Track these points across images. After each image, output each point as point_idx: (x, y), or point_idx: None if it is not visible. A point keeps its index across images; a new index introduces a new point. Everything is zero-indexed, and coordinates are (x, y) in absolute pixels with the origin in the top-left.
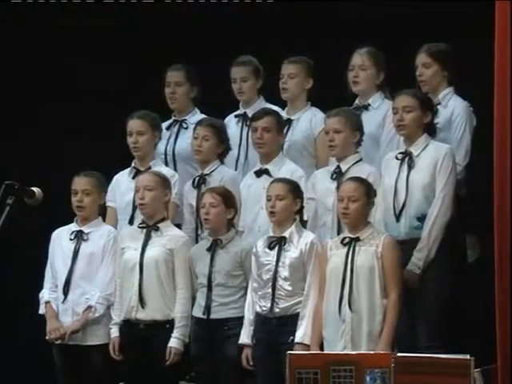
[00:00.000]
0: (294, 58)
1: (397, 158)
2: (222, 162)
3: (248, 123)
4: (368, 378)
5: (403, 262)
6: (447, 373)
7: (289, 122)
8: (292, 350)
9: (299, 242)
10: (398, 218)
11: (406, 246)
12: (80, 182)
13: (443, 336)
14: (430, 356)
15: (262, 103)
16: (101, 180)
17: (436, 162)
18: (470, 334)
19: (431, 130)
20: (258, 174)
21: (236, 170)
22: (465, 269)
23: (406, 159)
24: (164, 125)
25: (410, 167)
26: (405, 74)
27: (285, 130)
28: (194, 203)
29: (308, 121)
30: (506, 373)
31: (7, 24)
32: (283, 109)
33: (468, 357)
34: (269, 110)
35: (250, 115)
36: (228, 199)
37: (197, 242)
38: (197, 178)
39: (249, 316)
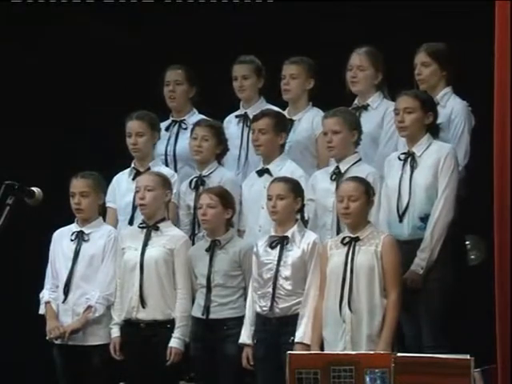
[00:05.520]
0: (295, 58)
1: (399, 159)
2: (220, 164)
3: (248, 124)
4: (368, 378)
5: (408, 263)
6: (447, 373)
7: (290, 122)
8: (292, 350)
9: (301, 242)
10: (401, 218)
11: (409, 247)
12: (77, 184)
13: (446, 336)
14: (430, 356)
15: (262, 104)
16: (99, 180)
17: (438, 162)
18: (470, 334)
19: (434, 131)
20: (260, 173)
21: (237, 170)
22: (466, 269)
23: (409, 159)
24: (163, 125)
25: (413, 167)
26: (405, 73)
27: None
28: (192, 204)
29: (309, 121)
30: (506, 373)
31: (7, 24)
32: (283, 109)
33: (468, 357)
34: (267, 112)
35: (250, 115)
36: (226, 199)
37: (193, 242)
38: (194, 179)
39: (249, 316)
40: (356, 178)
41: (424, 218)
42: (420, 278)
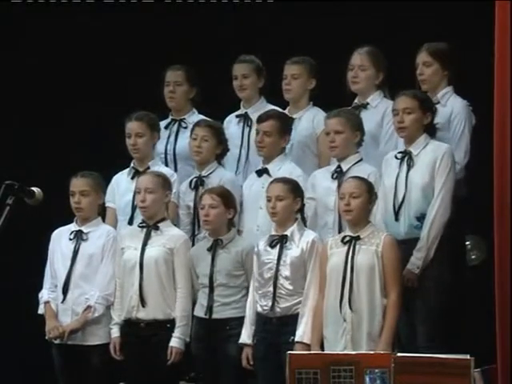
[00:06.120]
0: (296, 58)
1: (396, 158)
2: (220, 164)
3: (249, 123)
4: (368, 378)
5: (404, 262)
6: (447, 373)
7: (291, 121)
8: (292, 349)
9: (300, 241)
10: (397, 217)
11: (406, 246)
12: (77, 184)
13: (442, 336)
14: (429, 356)
15: (263, 104)
16: (99, 180)
17: (435, 162)
18: (469, 333)
19: (431, 131)
20: (259, 173)
21: (237, 170)
22: (465, 268)
23: (406, 159)
24: (162, 124)
25: (410, 166)
26: (405, 73)
27: None
28: (192, 204)
29: (310, 120)
30: (506, 373)
31: (7, 24)
32: (284, 109)
33: (468, 357)
34: (272, 114)
35: (251, 115)
36: (227, 199)
37: (193, 243)
38: (194, 180)
39: (250, 315)
40: (359, 177)
41: (420, 218)
42: (416, 277)
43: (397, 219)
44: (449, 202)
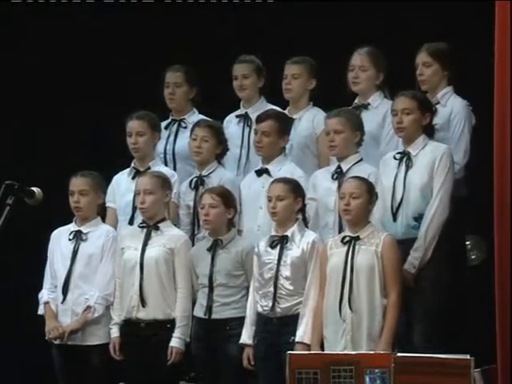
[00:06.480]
0: (297, 58)
1: (395, 158)
2: (220, 163)
3: (249, 123)
4: (368, 378)
5: (402, 262)
6: (447, 373)
7: (291, 121)
8: (293, 349)
9: (301, 241)
10: (395, 217)
11: (403, 246)
12: (76, 183)
13: (440, 336)
14: (429, 356)
15: (263, 104)
16: (98, 180)
17: (433, 162)
18: (469, 334)
19: (430, 131)
20: (259, 173)
21: (238, 170)
22: (464, 269)
23: (404, 159)
24: (162, 124)
25: (408, 167)
26: (405, 73)
27: None
28: (192, 204)
29: (310, 120)
30: (506, 373)
31: (7, 24)
32: (284, 109)
33: (468, 357)
34: (271, 113)
35: (251, 115)
36: (227, 199)
37: (193, 243)
38: (194, 179)
39: (250, 315)
40: (359, 177)
41: (418, 218)
42: (412, 276)
43: (395, 219)
44: (447, 202)
